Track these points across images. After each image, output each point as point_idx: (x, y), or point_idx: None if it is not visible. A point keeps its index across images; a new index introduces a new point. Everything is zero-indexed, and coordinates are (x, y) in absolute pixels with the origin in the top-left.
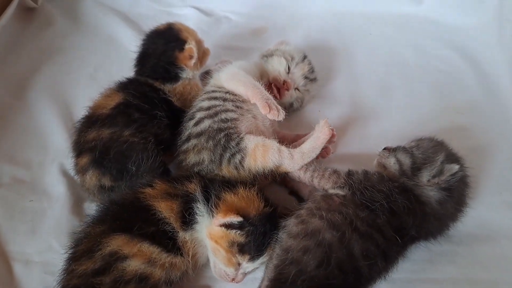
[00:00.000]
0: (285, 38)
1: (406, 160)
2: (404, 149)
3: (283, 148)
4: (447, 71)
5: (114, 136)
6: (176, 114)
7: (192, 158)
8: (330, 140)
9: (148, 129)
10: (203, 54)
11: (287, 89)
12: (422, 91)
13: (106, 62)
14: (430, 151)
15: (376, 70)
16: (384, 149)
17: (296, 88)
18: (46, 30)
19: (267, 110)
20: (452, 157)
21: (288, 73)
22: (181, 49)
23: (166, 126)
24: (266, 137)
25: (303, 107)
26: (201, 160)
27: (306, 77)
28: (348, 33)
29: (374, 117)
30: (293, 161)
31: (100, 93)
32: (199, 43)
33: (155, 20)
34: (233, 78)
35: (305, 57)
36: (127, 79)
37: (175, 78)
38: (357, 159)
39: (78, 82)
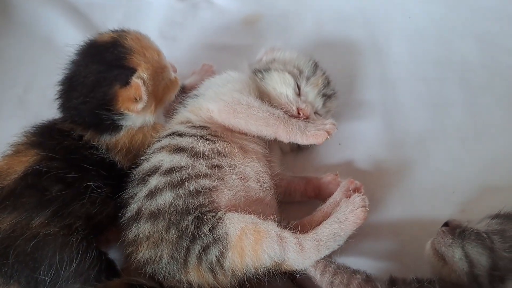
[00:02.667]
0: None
1: (481, 260)
2: (478, 236)
3: (287, 234)
4: None
5: (17, 227)
6: (123, 176)
7: (145, 253)
8: None
9: (73, 212)
10: (164, 89)
11: (306, 119)
12: (494, 110)
13: (41, 78)
14: None
15: (422, 75)
16: (446, 225)
17: (316, 113)
18: None
19: (321, 139)
20: None
21: (299, 94)
22: (125, 83)
23: (105, 198)
24: (264, 208)
25: None
26: (157, 257)
27: (323, 95)
28: (377, 18)
29: (424, 156)
30: (303, 254)
31: (10, 144)
32: (159, 72)
33: (111, 11)
34: (241, 113)
35: (316, 65)
36: (47, 123)
37: (114, 127)
38: (400, 231)
39: (0, 109)
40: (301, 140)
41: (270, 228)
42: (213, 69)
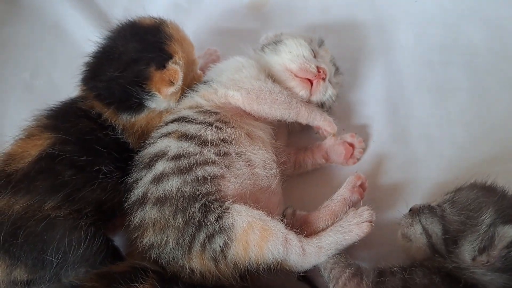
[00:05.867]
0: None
1: (435, 229)
2: (430, 208)
3: (292, 236)
4: None
5: (30, 210)
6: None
7: (151, 238)
8: (360, 193)
9: (84, 197)
10: (190, 81)
11: (324, 79)
12: (499, 94)
13: (49, 63)
14: (472, 207)
15: (428, 59)
16: (411, 210)
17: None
18: None
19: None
20: (507, 213)
21: (315, 57)
22: (162, 66)
23: (116, 184)
24: (269, 195)
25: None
26: (163, 242)
27: (333, 64)
28: (383, 1)
29: (427, 141)
30: (304, 258)
31: (22, 128)
32: (190, 64)
33: None
34: (265, 99)
35: (321, 39)
36: (63, 105)
37: (137, 107)
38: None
39: (8, 94)
40: (319, 120)
41: (278, 228)
42: (218, 53)
